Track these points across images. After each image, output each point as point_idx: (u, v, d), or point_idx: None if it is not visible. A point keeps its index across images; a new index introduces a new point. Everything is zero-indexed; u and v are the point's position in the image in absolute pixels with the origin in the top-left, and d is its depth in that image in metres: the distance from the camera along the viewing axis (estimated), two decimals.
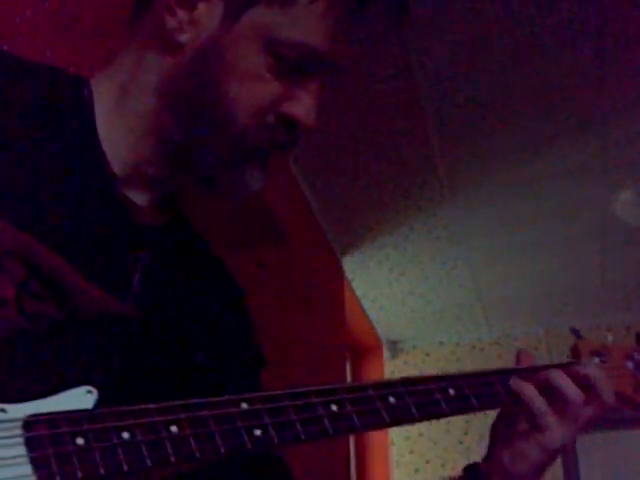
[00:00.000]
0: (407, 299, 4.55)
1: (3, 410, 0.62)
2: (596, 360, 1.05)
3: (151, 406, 0.67)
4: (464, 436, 4.91)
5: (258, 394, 0.74)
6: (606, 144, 3.26)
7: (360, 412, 0.79)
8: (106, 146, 0.81)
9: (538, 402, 0.94)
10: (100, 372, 0.71)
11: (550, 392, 0.95)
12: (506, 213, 3.76)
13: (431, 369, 5.02)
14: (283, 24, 0.79)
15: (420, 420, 0.86)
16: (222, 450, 0.68)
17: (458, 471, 1.01)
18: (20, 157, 0.75)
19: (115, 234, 0.80)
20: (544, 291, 4.56)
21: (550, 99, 2.98)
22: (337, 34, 0.81)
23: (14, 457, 0.59)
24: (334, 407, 0.77)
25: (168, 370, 0.81)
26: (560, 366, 0.99)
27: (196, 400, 0.70)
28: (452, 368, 4.93)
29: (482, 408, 0.93)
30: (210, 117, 0.81)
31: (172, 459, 0.65)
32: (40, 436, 0.61)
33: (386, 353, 5.17)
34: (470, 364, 4.97)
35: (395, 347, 5.22)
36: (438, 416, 0.88)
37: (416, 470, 4.99)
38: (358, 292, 4.40)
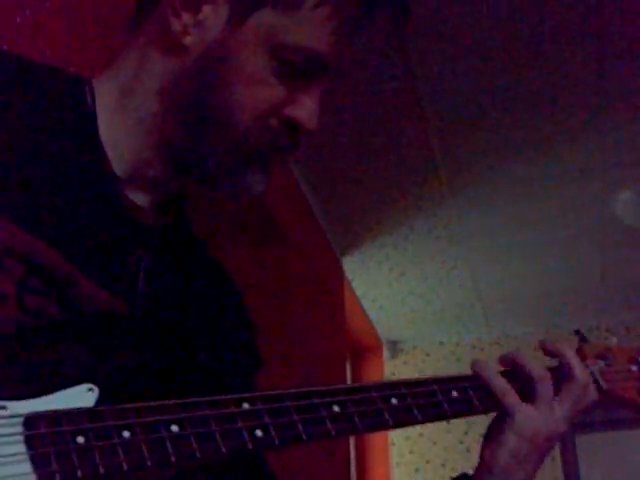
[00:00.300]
0: (407, 299, 4.55)
1: (4, 407, 0.62)
2: (601, 363, 1.04)
3: (152, 405, 0.67)
4: (464, 436, 4.91)
5: (259, 394, 0.73)
6: (606, 144, 3.26)
7: (362, 413, 0.79)
8: (107, 147, 0.81)
9: (496, 381, 0.93)
10: (101, 370, 0.71)
11: (520, 375, 0.95)
12: (506, 213, 3.76)
13: (431, 369, 5.02)
14: (288, 28, 0.79)
15: (423, 422, 0.85)
16: (223, 450, 0.68)
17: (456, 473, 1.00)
18: (22, 157, 0.75)
19: (116, 234, 0.80)
20: (544, 291, 4.56)
21: (550, 99, 2.98)
22: (341, 39, 0.82)
23: (14, 455, 0.59)
24: (336, 408, 0.77)
25: (169, 369, 0.81)
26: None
27: (197, 399, 0.70)
28: (452, 368, 4.93)
29: (485, 411, 0.93)
30: (213, 120, 0.81)
31: (172, 459, 0.65)
32: (40, 434, 0.61)
33: (386, 353, 5.17)
34: (470, 364, 4.96)
35: (395, 347, 5.22)
36: (441, 418, 0.88)
37: (416, 470, 4.99)
38: (358, 292, 4.40)
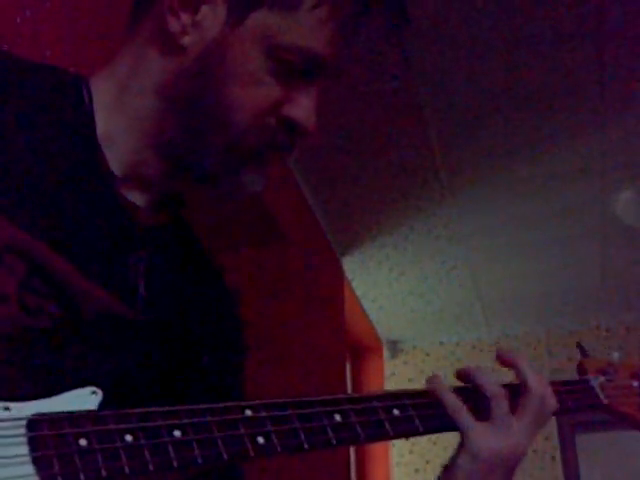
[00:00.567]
0: (407, 299, 4.55)
1: (7, 408, 0.62)
2: (602, 379, 1.04)
3: (155, 410, 0.67)
4: None
5: (262, 401, 0.74)
6: (606, 144, 3.26)
7: (364, 423, 0.79)
8: (105, 146, 0.81)
9: (448, 398, 0.87)
10: (105, 373, 0.71)
11: (476, 392, 0.89)
12: (506, 213, 3.76)
13: (431, 369, 5.01)
14: (286, 28, 0.79)
15: (424, 433, 0.85)
16: (225, 457, 0.68)
17: None
18: (20, 157, 0.74)
19: (115, 234, 0.80)
20: (544, 291, 4.56)
21: (550, 99, 2.98)
22: (339, 39, 0.82)
23: (17, 456, 0.59)
24: (338, 417, 0.77)
25: (172, 372, 0.81)
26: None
27: (200, 405, 0.70)
28: (452, 368, 4.91)
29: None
30: (210, 119, 0.81)
31: (174, 464, 0.65)
32: (43, 436, 0.61)
33: (386, 353, 5.17)
34: (470, 364, 4.96)
35: (395, 347, 5.22)
36: (442, 430, 0.87)
37: (416, 470, 4.99)
38: (358, 292, 4.40)
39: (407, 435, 0.84)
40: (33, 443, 0.60)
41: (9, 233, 0.69)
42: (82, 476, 0.60)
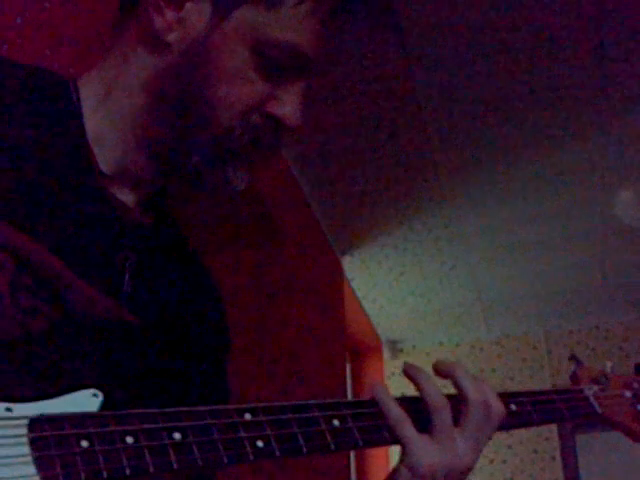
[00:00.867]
0: (407, 299, 4.55)
1: (9, 409, 0.62)
2: (595, 388, 1.04)
3: (156, 411, 0.67)
4: None
5: (262, 405, 0.74)
6: (606, 144, 3.27)
7: (362, 429, 0.79)
8: (95, 145, 0.82)
9: (391, 409, 0.83)
10: (105, 375, 0.71)
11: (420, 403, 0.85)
12: (506, 213, 3.76)
13: (431, 369, 5.00)
14: (270, 25, 0.80)
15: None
16: (225, 460, 0.68)
17: None
18: (9, 156, 0.75)
19: (103, 233, 0.80)
20: (544, 291, 4.56)
21: (550, 99, 2.98)
22: (323, 35, 0.82)
23: (18, 456, 0.59)
24: (336, 422, 0.77)
25: (166, 371, 0.82)
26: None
27: (200, 408, 0.70)
28: None
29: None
30: (196, 116, 0.81)
31: (175, 465, 0.65)
32: (45, 437, 0.61)
33: (386, 353, 5.17)
34: (470, 364, 4.98)
35: (395, 347, 5.22)
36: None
37: None
38: (358, 292, 4.40)
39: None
40: (35, 444, 0.60)
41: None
42: (83, 476, 0.60)
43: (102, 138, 0.82)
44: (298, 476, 2.75)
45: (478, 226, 3.87)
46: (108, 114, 0.83)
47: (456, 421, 0.85)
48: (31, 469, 0.59)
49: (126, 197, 0.85)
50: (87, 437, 0.62)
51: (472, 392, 0.86)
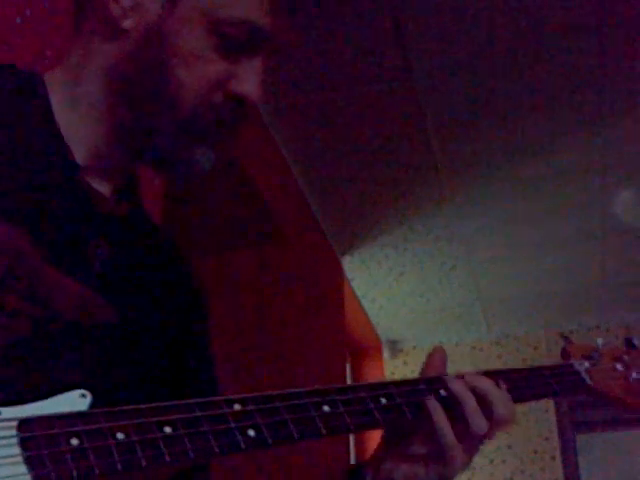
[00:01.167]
0: (407, 299, 4.55)
1: None
2: (586, 364, 1.05)
3: (144, 407, 0.67)
4: None
5: (250, 395, 0.74)
6: (606, 144, 3.26)
7: (352, 412, 0.80)
8: (67, 138, 0.83)
9: (449, 433, 0.84)
10: (92, 374, 0.71)
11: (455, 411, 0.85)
12: (506, 213, 3.76)
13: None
14: (223, 2, 0.81)
15: (413, 420, 0.85)
16: (216, 450, 0.68)
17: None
18: None
19: (79, 222, 0.81)
20: (544, 291, 4.56)
21: (550, 99, 2.98)
22: (276, 9, 0.83)
23: (9, 457, 0.60)
24: (326, 408, 0.78)
25: (151, 367, 0.82)
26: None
27: (189, 401, 0.70)
28: (451, 368, 4.91)
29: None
30: (159, 100, 0.82)
31: (167, 458, 0.65)
32: (35, 436, 0.61)
33: (386, 353, 5.17)
34: (470, 364, 4.97)
35: (395, 347, 5.22)
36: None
37: None
38: (358, 292, 4.40)
39: (396, 422, 0.84)
40: (25, 443, 0.60)
41: None
42: (75, 474, 0.60)
43: (75, 131, 0.84)
44: (295, 467, 2.75)
45: (478, 226, 3.87)
46: (75, 105, 0.85)
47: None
48: (22, 469, 0.59)
49: (102, 187, 0.86)
50: (77, 435, 0.62)
51: (501, 414, 0.86)
